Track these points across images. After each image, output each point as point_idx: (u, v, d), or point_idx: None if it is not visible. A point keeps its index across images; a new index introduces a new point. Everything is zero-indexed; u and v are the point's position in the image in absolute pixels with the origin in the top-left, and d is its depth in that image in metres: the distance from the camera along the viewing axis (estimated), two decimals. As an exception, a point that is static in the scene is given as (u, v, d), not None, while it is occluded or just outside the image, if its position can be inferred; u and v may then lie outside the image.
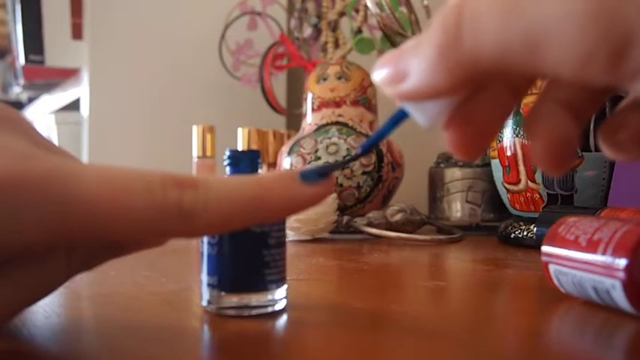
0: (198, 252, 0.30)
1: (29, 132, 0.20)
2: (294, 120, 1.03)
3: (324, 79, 0.68)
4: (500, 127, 0.20)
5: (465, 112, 0.19)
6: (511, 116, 0.53)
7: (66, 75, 1.17)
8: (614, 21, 0.14)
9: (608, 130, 0.19)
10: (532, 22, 0.15)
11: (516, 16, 0.15)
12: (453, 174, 0.65)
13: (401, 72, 0.18)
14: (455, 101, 0.19)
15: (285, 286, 0.26)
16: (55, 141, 1.19)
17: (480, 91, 0.19)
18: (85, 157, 0.98)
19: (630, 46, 0.14)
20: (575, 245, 0.27)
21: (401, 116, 0.20)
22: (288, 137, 0.83)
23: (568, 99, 0.19)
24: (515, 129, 0.53)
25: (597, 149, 0.50)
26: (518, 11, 0.15)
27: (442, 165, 0.67)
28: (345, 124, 0.65)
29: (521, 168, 0.53)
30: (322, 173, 0.21)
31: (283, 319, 0.25)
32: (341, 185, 0.62)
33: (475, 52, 0.16)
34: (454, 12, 0.16)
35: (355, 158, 0.23)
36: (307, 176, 0.21)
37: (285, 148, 0.67)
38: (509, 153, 0.54)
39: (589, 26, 0.14)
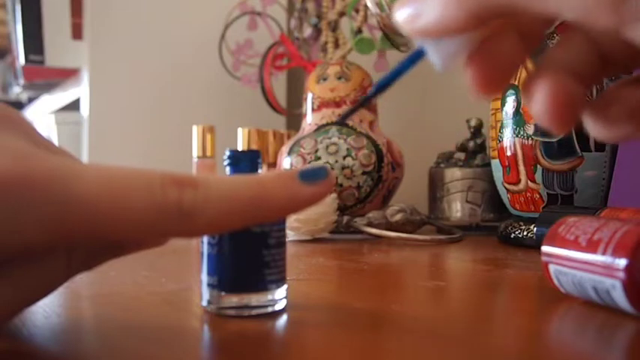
0: (198, 252, 0.30)
1: (29, 132, 0.20)
2: (294, 120, 1.03)
3: (324, 79, 0.68)
4: (516, 69, 0.20)
5: (483, 52, 0.19)
6: (511, 116, 0.53)
7: (66, 75, 1.17)
8: None
9: (599, 106, 0.19)
10: None
11: None
12: (453, 174, 0.65)
13: (419, 9, 0.18)
14: (469, 44, 0.19)
15: (285, 286, 0.26)
16: (55, 141, 1.19)
17: (495, 36, 0.19)
18: (85, 157, 0.98)
19: None
20: (575, 245, 0.27)
21: (417, 55, 0.20)
22: (288, 137, 0.83)
23: (572, 64, 0.19)
24: (515, 129, 0.53)
25: (597, 149, 0.50)
26: None
27: (442, 165, 0.67)
28: (345, 124, 0.65)
29: (521, 168, 0.53)
30: (319, 172, 0.22)
31: (283, 319, 0.25)
32: (341, 185, 0.62)
33: None
34: None
35: (369, 98, 0.22)
36: (307, 175, 0.21)
37: (285, 148, 0.67)
38: (509, 153, 0.54)
39: None
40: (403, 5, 0.19)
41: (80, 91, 1.02)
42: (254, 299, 0.25)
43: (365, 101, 0.23)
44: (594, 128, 0.20)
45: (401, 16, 0.19)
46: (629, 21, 0.15)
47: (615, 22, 0.16)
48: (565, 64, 0.19)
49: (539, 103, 0.18)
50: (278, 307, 0.26)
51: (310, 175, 0.21)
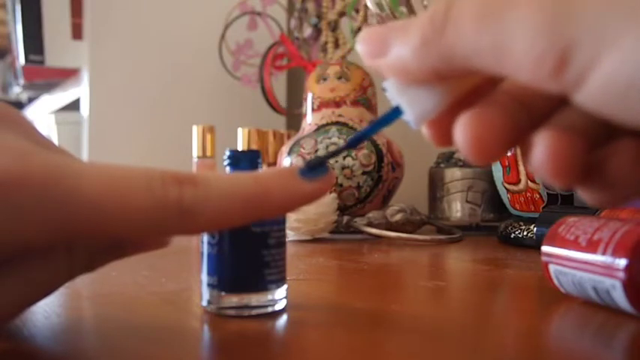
0: (198, 252, 0.30)
1: (29, 131, 0.20)
2: (294, 120, 1.03)
3: (324, 79, 0.68)
4: (514, 143, 0.19)
5: (475, 118, 0.19)
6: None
7: (66, 75, 1.17)
8: (559, 33, 0.15)
9: (593, 168, 0.18)
10: (499, 30, 0.16)
11: (488, 23, 0.17)
12: (453, 174, 0.65)
13: (384, 47, 0.19)
14: (442, 100, 0.19)
15: (285, 286, 0.26)
16: (55, 141, 1.19)
17: (491, 101, 0.19)
18: (85, 157, 0.98)
19: (571, 55, 0.15)
20: (575, 245, 0.27)
21: (393, 114, 0.20)
22: (288, 137, 0.83)
23: (572, 120, 0.19)
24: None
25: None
26: (490, 19, 0.17)
27: (442, 165, 0.67)
28: (345, 124, 0.65)
29: (521, 168, 0.53)
30: (319, 167, 0.22)
31: (283, 319, 0.25)
32: (341, 185, 0.62)
33: (452, 48, 0.17)
34: (444, 9, 0.18)
35: (341, 151, 0.23)
36: (306, 172, 0.21)
37: (285, 148, 0.67)
38: (509, 153, 0.54)
39: (539, 36, 0.16)
40: (367, 39, 0.20)
41: (80, 91, 1.02)
42: (254, 299, 0.25)
43: (336, 153, 0.23)
44: (587, 193, 0.19)
45: (364, 49, 0.20)
46: (571, 88, 0.16)
47: (559, 88, 0.16)
48: (565, 122, 0.19)
49: (539, 153, 0.18)
50: (278, 307, 0.26)
51: (310, 172, 0.21)
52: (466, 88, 0.20)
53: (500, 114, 0.19)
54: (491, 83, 0.20)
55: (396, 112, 0.20)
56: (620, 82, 0.15)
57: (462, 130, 0.19)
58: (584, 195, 0.19)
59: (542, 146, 0.18)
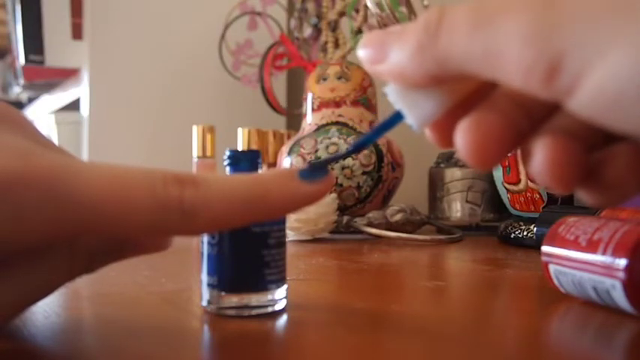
0: (198, 252, 0.30)
1: (30, 131, 0.20)
2: (294, 120, 1.03)
3: (324, 79, 0.68)
4: (513, 148, 0.20)
5: (475, 122, 0.19)
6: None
7: (66, 75, 1.17)
8: (550, 40, 0.16)
9: (592, 171, 0.19)
10: (491, 36, 0.17)
11: (481, 30, 0.17)
12: (453, 174, 0.65)
13: (382, 54, 0.19)
14: (443, 104, 0.20)
15: (285, 286, 0.26)
16: (55, 141, 1.19)
17: (491, 105, 0.19)
18: (85, 157, 0.98)
19: (561, 64, 0.16)
20: (575, 245, 0.27)
21: (395, 118, 0.21)
22: (288, 137, 0.83)
23: (571, 127, 0.19)
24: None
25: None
26: (483, 26, 0.17)
27: (442, 165, 0.67)
28: (345, 124, 0.65)
29: (521, 168, 0.53)
30: (319, 170, 0.22)
31: (283, 319, 0.25)
32: (341, 185, 0.62)
33: (446, 54, 0.18)
34: (438, 15, 0.18)
35: (346, 155, 0.23)
36: (306, 174, 0.21)
37: (285, 148, 0.67)
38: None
39: (529, 44, 0.16)
40: (367, 45, 0.20)
41: (80, 91, 1.02)
42: (254, 299, 0.25)
43: (340, 158, 0.23)
44: (588, 196, 0.19)
45: (364, 54, 0.20)
46: (563, 95, 0.16)
47: (551, 96, 0.16)
48: (563, 126, 0.19)
49: (539, 158, 0.18)
50: (278, 307, 0.26)
51: (310, 174, 0.22)
52: (466, 91, 0.20)
53: (499, 119, 0.19)
54: (492, 85, 0.20)
55: (397, 117, 0.20)
56: (610, 93, 0.15)
57: (462, 137, 0.19)
58: (582, 196, 0.19)
59: (541, 154, 0.18)
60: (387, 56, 0.19)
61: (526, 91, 0.17)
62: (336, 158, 0.23)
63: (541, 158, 0.18)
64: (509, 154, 0.20)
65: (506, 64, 0.16)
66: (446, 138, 0.21)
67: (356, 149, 0.23)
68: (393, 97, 0.20)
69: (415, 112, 0.20)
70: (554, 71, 0.16)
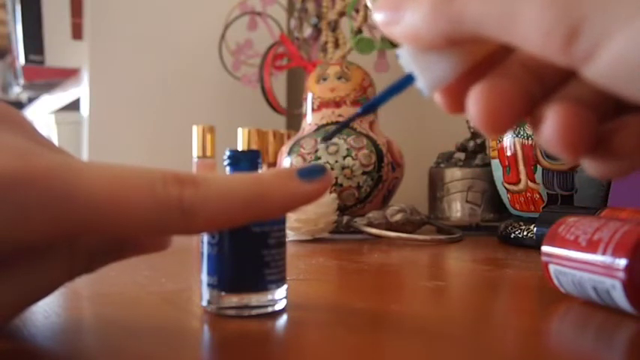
0: (198, 252, 0.30)
1: (30, 131, 0.20)
2: (294, 120, 1.03)
3: (324, 79, 0.68)
4: (525, 114, 0.20)
5: (487, 87, 0.19)
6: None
7: (66, 75, 1.17)
8: (570, 5, 0.15)
9: (601, 141, 0.19)
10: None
11: None
12: (453, 174, 0.65)
13: (397, 16, 0.19)
14: (455, 67, 0.19)
15: (285, 286, 0.26)
16: (55, 141, 1.19)
17: (500, 72, 0.19)
18: (85, 157, 0.98)
19: (581, 30, 0.15)
20: (575, 245, 0.27)
21: (406, 81, 0.20)
22: (288, 137, 0.83)
23: (582, 94, 0.19)
24: (515, 129, 0.53)
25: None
26: None
27: (442, 165, 0.67)
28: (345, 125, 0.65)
29: (521, 168, 0.53)
30: (318, 169, 0.22)
31: (283, 319, 0.25)
32: (341, 185, 0.62)
33: (461, 15, 0.17)
34: None
35: (355, 117, 0.23)
36: (305, 173, 0.22)
37: (285, 148, 0.67)
38: (509, 153, 0.54)
39: (549, 7, 0.15)
40: (382, 7, 0.20)
41: (80, 91, 1.02)
42: (254, 299, 0.25)
43: (350, 121, 0.23)
44: (596, 166, 0.19)
45: (379, 17, 0.20)
46: (580, 62, 0.16)
47: (568, 62, 0.16)
48: (578, 96, 0.19)
49: (550, 125, 0.18)
50: (278, 307, 0.26)
51: (308, 173, 0.22)
52: (480, 55, 0.20)
53: (512, 85, 0.19)
54: (505, 51, 0.20)
55: (408, 79, 0.20)
56: (630, 62, 0.15)
57: (474, 103, 0.19)
58: (590, 166, 0.19)
59: (552, 120, 0.18)
60: (402, 18, 0.19)
61: (542, 55, 0.16)
62: (344, 124, 0.23)
63: (552, 125, 0.18)
64: (521, 121, 0.20)
65: (522, 27, 0.16)
66: (456, 103, 0.20)
67: (364, 112, 0.23)
68: (405, 60, 0.20)
69: (427, 74, 0.20)
70: (572, 36, 0.15)
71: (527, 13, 0.16)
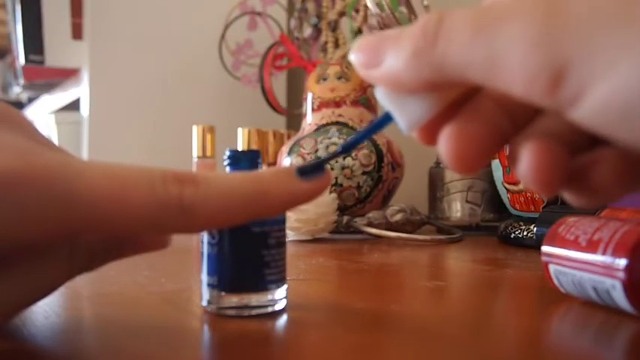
0: (198, 252, 0.30)
1: (30, 131, 0.20)
2: (294, 120, 1.03)
3: (324, 79, 0.68)
4: (496, 151, 0.20)
5: (459, 126, 0.19)
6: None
7: (66, 75, 1.17)
8: (555, 50, 0.15)
9: (576, 175, 0.19)
10: (492, 44, 0.16)
11: (482, 37, 0.16)
12: (453, 174, 0.65)
13: (377, 59, 0.19)
14: (433, 106, 0.20)
15: (285, 286, 0.26)
16: (55, 141, 1.19)
17: (472, 110, 0.19)
18: (85, 157, 0.97)
19: (566, 74, 0.15)
20: (575, 245, 0.27)
21: (385, 120, 0.21)
22: (288, 137, 0.83)
23: (558, 131, 0.19)
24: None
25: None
26: (483, 33, 0.16)
27: (442, 165, 0.67)
28: (345, 124, 0.65)
29: (521, 168, 0.53)
30: (317, 167, 0.22)
31: (283, 319, 0.25)
32: (341, 185, 0.62)
33: (444, 60, 0.17)
34: (436, 20, 0.17)
35: (335, 156, 0.24)
36: (304, 172, 0.22)
37: (285, 148, 0.67)
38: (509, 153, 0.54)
39: (534, 52, 0.15)
40: (361, 50, 0.19)
41: (80, 91, 1.02)
42: (254, 299, 0.25)
43: (329, 159, 0.24)
44: (573, 198, 0.19)
45: (357, 59, 0.19)
46: (566, 105, 0.16)
47: (553, 105, 0.16)
48: (551, 131, 0.19)
49: (524, 165, 0.18)
50: (278, 307, 0.26)
51: (307, 172, 0.22)
52: (456, 94, 0.20)
53: (482, 127, 0.19)
54: (477, 87, 0.20)
55: (387, 118, 0.21)
56: (617, 105, 0.15)
57: (445, 145, 0.19)
58: (568, 197, 0.19)
59: (526, 160, 0.18)
60: (382, 61, 0.19)
61: (526, 99, 0.16)
62: (325, 160, 0.23)
63: (526, 164, 0.18)
64: (491, 159, 0.20)
65: (507, 71, 0.16)
66: (430, 137, 0.21)
67: (345, 150, 0.23)
68: (383, 100, 0.20)
69: (405, 115, 0.20)
70: (558, 80, 0.15)
71: (512, 58, 0.16)
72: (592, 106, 0.15)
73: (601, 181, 0.18)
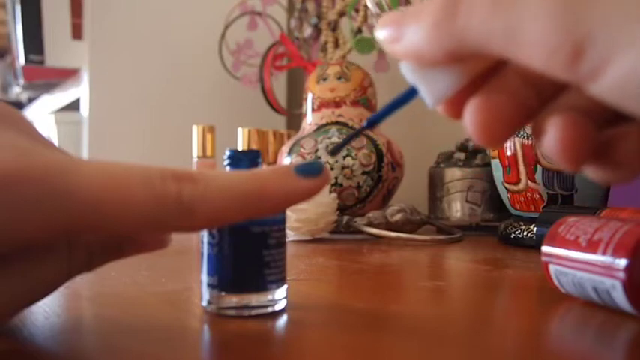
0: (198, 252, 0.30)
1: (29, 130, 0.20)
2: (294, 120, 1.03)
3: (324, 79, 0.68)
4: (522, 125, 0.20)
5: (484, 99, 0.19)
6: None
7: (66, 75, 1.17)
8: (575, 23, 0.15)
9: (601, 148, 0.19)
10: (513, 16, 0.16)
11: (502, 9, 0.16)
12: (453, 174, 0.65)
13: (399, 33, 0.19)
14: (458, 80, 0.20)
15: (285, 286, 0.26)
16: (55, 141, 1.19)
17: (497, 84, 0.19)
18: (85, 157, 0.97)
19: (586, 48, 0.15)
20: (575, 245, 0.27)
21: (410, 94, 0.21)
22: (288, 137, 0.83)
23: (583, 105, 0.19)
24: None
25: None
26: (505, 5, 0.16)
27: (442, 165, 0.67)
28: (345, 124, 0.65)
29: (521, 168, 0.53)
30: (315, 166, 0.22)
31: (283, 319, 0.25)
32: (341, 185, 0.62)
33: (464, 32, 0.17)
34: None
35: (361, 131, 0.23)
36: (302, 170, 0.22)
37: (285, 148, 0.67)
38: (509, 153, 0.54)
39: (554, 26, 0.15)
40: (385, 25, 0.20)
41: (80, 91, 1.02)
42: (254, 299, 0.25)
43: (356, 135, 0.24)
44: (597, 173, 0.19)
45: (381, 35, 0.20)
46: (586, 79, 0.16)
47: (573, 79, 0.16)
48: (576, 105, 0.19)
49: (551, 138, 0.18)
50: (278, 307, 0.26)
51: (305, 170, 0.22)
52: (480, 68, 0.20)
53: (508, 100, 0.19)
54: (503, 61, 0.20)
55: (412, 92, 0.20)
56: (636, 81, 0.15)
57: (470, 117, 0.19)
58: (592, 174, 0.19)
59: (552, 134, 0.18)
60: (404, 35, 0.19)
61: (546, 72, 0.16)
62: (350, 138, 0.23)
63: (552, 138, 0.18)
64: (516, 133, 0.20)
65: (527, 44, 0.16)
66: (457, 111, 0.21)
67: (370, 125, 0.23)
68: (408, 74, 0.20)
69: (430, 89, 0.20)
70: (578, 54, 0.15)
71: (532, 31, 0.16)
72: (611, 80, 0.15)
73: (626, 155, 0.18)
